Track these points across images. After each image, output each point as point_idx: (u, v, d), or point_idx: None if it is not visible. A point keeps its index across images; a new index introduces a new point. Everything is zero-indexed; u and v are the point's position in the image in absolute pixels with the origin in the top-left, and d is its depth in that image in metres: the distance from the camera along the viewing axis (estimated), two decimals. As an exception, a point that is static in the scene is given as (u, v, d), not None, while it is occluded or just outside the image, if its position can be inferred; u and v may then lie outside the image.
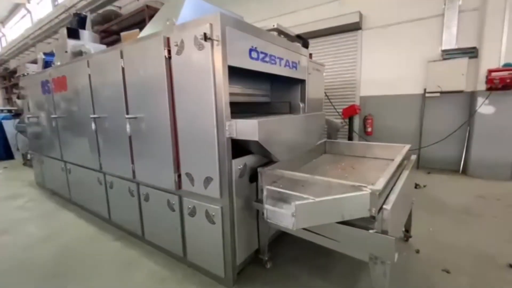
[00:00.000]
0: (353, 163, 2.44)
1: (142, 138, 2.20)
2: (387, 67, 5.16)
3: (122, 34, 3.23)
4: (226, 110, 1.68)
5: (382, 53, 5.18)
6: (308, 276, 2.00)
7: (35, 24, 12.78)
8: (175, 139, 1.96)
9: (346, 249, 1.51)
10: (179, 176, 1.99)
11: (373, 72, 5.35)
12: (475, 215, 2.97)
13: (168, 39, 1.85)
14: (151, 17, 3.63)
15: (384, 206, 1.35)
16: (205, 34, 1.57)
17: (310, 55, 3.55)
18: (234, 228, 1.83)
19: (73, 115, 3.10)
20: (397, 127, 5.22)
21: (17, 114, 7.80)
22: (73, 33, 3.31)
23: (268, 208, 1.51)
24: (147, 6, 6.55)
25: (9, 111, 8.82)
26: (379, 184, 1.40)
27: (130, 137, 2.30)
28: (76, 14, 3.65)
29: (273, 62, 2.11)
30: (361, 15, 5.15)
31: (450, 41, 4.46)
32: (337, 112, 5.68)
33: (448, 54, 4.46)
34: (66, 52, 3.25)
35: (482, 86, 4.17)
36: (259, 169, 1.86)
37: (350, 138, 5.33)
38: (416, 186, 3.88)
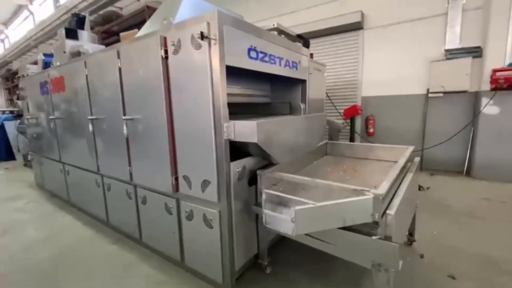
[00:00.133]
0: (355, 165, 2.38)
1: (139, 140, 2.16)
2: (389, 67, 5.09)
3: (121, 34, 3.20)
4: (224, 111, 1.63)
5: (384, 53, 5.11)
6: (309, 282, 1.95)
7: (37, 25, 12.81)
8: (172, 141, 1.91)
9: (348, 255, 1.46)
10: (176, 179, 1.94)
11: (375, 72, 5.28)
12: (479, 218, 2.90)
13: (165, 38, 1.81)
14: (150, 17, 3.59)
15: (388, 211, 1.30)
16: (202, 33, 1.52)
17: (311, 55, 3.50)
18: (232, 232, 1.78)
19: (71, 116, 3.06)
20: (399, 127, 5.15)
21: (18, 115, 7.81)
22: (71, 34, 3.28)
23: (267, 213, 1.45)
24: (148, 7, 6.53)
25: (11, 112, 8.84)
26: (382, 188, 1.35)
27: (127, 139, 2.26)
28: (74, 15, 3.61)
29: (273, 62, 2.07)
30: (362, 15, 5.09)
31: (453, 41, 4.39)
32: (339, 112, 5.62)
33: (451, 54, 4.39)
34: (64, 52, 3.22)
35: (486, 86, 4.09)
36: (258, 172, 1.81)
37: (351, 139, 5.26)
38: (420, 188, 3.81)
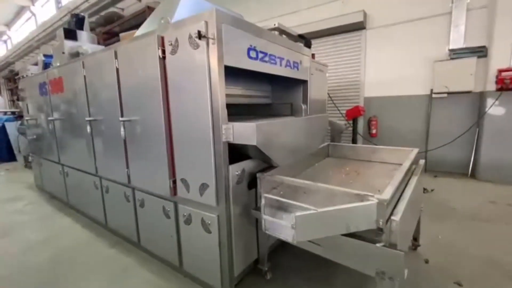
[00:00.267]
0: (358, 167, 2.32)
1: (137, 142, 2.12)
2: (392, 67, 5.02)
3: (121, 35, 3.16)
4: (222, 112, 1.58)
5: (387, 53, 5.05)
6: (310, 288, 1.89)
7: (39, 26, 12.84)
8: (170, 143, 1.87)
9: (351, 262, 1.40)
10: (174, 182, 1.90)
11: (377, 73, 5.21)
12: (486, 221, 2.83)
13: (162, 38, 1.76)
14: (150, 17, 3.55)
15: (393, 217, 1.24)
16: (199, 32, 1.48)
17: (313, 55, 3.44)
18: (231, 237, 1.73)
19: (69, 118, 3.03)
20: (402, 128, 5.08)
21: (20, 116, 7.81)
22: (70, 34, 3.25)
23: (266, 218, 1.40)
24: (148, 7, 6.50)
25: (13, 113, 8.86)
26: (387, 193, 1.29)
27: (125, 141, 2.22)
28: (74, 15, 3.58)
29: (273, 62, 2.01)
30: (365, 14, 5.03)
31: (457, 40, 4.31)
32: (341, 113, 5.56)
33: (455, 54, 4.32)
34: (63, 53, 3.18)
35: (491, 86, 4.02)
36: (258, 175, 1.76)
37: (354, 140, 5.20)
38: (424, 190, 3.73)
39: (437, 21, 4.50)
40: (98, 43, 3.91)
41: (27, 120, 4.20)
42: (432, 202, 3.35)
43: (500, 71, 3.85)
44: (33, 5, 13.82)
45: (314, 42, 4.93)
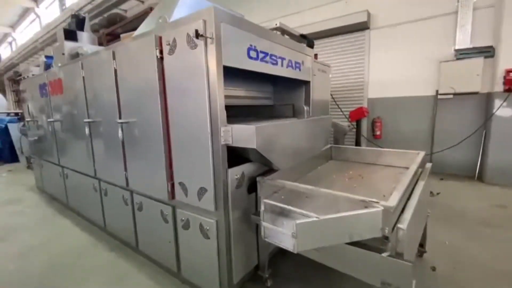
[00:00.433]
0: (362, 171, 2.25)
1: (135, 144, 2.07)
2: (397, 67, 4.94)
3: (122, 36, 3.13)
4: (221, 114, 1.53)
5: (391, 53, 4.96)
6: (312, 296, 1.82)
7: (43, 28, 12.94)
8: (168, 145, 1.82)
9: (355, 272, 1.33)
10: (173, 185, 1.84)
11: (381, 73, 5.13)
12: (495, 226, 2.74)
13: (160, 38, 1.71)
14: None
15: (399, 225, 1.17)
16: (197, 31, 1.42)
17: (316, 55, 3.38)
18: (230, 243, 1.67)
19: (69, 119, 3.00)
20: (407, 130, 4.99)
21: (23, 117, 7.83)
22: (70, 35, 3.22)
23: (266, 225, 1.34)
24: (151, 9, 6.50)
25: (16, 114, 8.89)
26: (393, 200, 1.23)
27: (123, 143, 2.18)
28: (74, 16, 3.56)
29: (274, 62, 1.96)
30: (369, 14, 4.95)
31: (464, 40, 4.22)
32: (344, 115, 5.47)
33: (462, 54, 4.22)
34: (63, 54, 3.16)
35: (499, 87, 3.92)
36: (258, 179, 1.70)
37: (357, 142, 5.11)
38: (430, 193, 3.64)
39: (443, 20, 4.41)
40: (102, 45, 3.89)
41: (27, 121, 4.19)
42: (438, 206, 3.26)
43: (508, 71, 3.76)
44: (38, 7, 13.93)
45: (317, 43, 4.87)
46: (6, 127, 7.34)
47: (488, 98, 4.16)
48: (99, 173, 2.65)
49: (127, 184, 2.25)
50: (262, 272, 1.90)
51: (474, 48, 4.14)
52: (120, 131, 2.11)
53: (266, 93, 2.68)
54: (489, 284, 1.90)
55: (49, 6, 13.64)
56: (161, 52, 1.71)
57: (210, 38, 1.45)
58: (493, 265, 2.10)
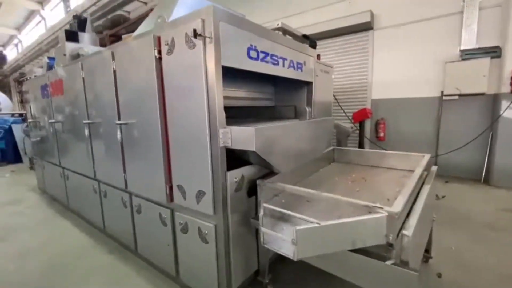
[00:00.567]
0: (365, 174, 2.20)
1: (134, 145, 2.04)
2: (401, 68, 4.87)
3: (123, 37, 3.12)
4: (220, 115, 1.49)
5: (395, 54, 4.89)
6: (314, 303, 1.77)
7: (48, 30, 13.07)
8: (167, 147, 1.78)
9: (358, 280, 1.28)
10: (171, 188, 1.81)
11: (385, 74, 5.06)
12: (502, 231, 2.66)
13: (158, 38, 1.68)
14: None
15: (404, 232, 1.13)
16: (195, 30, 1.39)
17: (318, 56, 3.33)
18: (229, 248, 1.62)
19: (69, 120, 2.99)
20: (411, 132, 4.91)
21: (26, 118, 7.89)
22: (71, 36, 3.22)
23: (265, 231, 1.29)
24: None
25: (20, 115, 8.96)
26: (398, 205, 1.18)
27: (122, 144, 2.15)
28: (76, 17, 3.56)
29: (275, 62, 1.92)
30: (372, 15, 4.89)
31: (470, 40, 4.14)
32: (347, 116, 5.41)
33: (467, 54, 4.15)
34: (64, 55, 3.15)
35: (506, 88, 3.84)
36: (258, 182, 1.66)
37: (361, 143, 5.05)
38: (435, 197, 3.57)
39: (448, 20, 4.34)
40: (104, 46, 3.88)
41: (30, 122, 4.20)
42: (443, 210, 3.18)
43: (516, 72, 3.68)
44: (43, 9, 14.08)
45: (320, 44, 4.81)
46: (10, 128, 7.39)
47: (494, 100, 4.07)
48: (99, 174, 2.63)
49: (126, 186, 2.22)
50: (262, 278, 1.85)
51: (480, 48, 4.06)
52: (118, 132, 2.08)
53: (268, 94, 2.64)
54: (497, 292, 1.83)
55: (54, 8, 13.77)
56: (159, 52, 1.68)
57: (209, 37, 1.41)
58: (500, 270, 2.04)
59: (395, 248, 1.14)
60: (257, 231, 1.80)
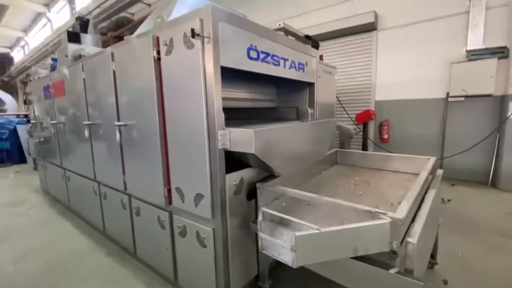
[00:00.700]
0: (368, 177, 2.15)
1: (133, 147, 2.02)
2: (405, 69, 4.79)
3: (125, 38, 3.10)
4: (218, 117, 1.46)
5: (399, 55, 4.82)
6: (315, 310, 1.72)
7: (54, 32, 13.22)
8: (165, 148, 1.75)
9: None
10: (169, 190, 1.78)
11: (389, 75, 4.99)
12: (509, 236, 2.58)
13: (157, 38, 1.66)
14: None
15: (408, 239, 1.08)
16: (193, 30, 1.36)
17: (321, 56, 3.29)
18: (228, 253, 1.59)
19: (70, 121, 2.98)
20: (416, 134, 4.83)
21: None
22: (73, 37, 3.22)
23: (263, 237, 1.25)
24: (157, 11, 6.52)
25: (25, 115, 9.05)
26: (402, 210, 1.13)
27: (121, 146, 2.13)
28: (78, 18, 3.57)
29: (276, 63, 1.88)
30: (376, 15, 4.83)
31: (476, 41, 4.06)
32: (350, 118, 5.35)
33: (474, 55, 4.07)
34: (66, 56, 3.15)
35: (514, 89, 3.75)
36: (257, 185, 1.62)
37: (364, 145, 4.98)
38: (441, 201, 3.49)
39: (454, 21, 4.27)
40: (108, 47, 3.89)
41: (33, 123, 4.22)
42: (449, 214, 3.11)
43: (524, 73, 3.59)
44: (49, 11, 14.24)
45: (323, 44, 4.77)
46: (15, 129, 7.45)
47: (502, 101, 3.98)
48: (99, 176, 2.61)
49: (125, 188, 2.19)
50: (262, 283, 1.81)
51: (486, 48, 3.98)
52: (118, 134, 2.06)
53: (269, 95, 2.60)
54: (507, 301, 1.76)
55: (60, 10, 13.93)
56: (158, 52, 1.66)
57: (207, 37, 1.38)
58: (509, 277, 1.97)
59: (399, 256, 1.10)
60: (257, 236, 1.76)
